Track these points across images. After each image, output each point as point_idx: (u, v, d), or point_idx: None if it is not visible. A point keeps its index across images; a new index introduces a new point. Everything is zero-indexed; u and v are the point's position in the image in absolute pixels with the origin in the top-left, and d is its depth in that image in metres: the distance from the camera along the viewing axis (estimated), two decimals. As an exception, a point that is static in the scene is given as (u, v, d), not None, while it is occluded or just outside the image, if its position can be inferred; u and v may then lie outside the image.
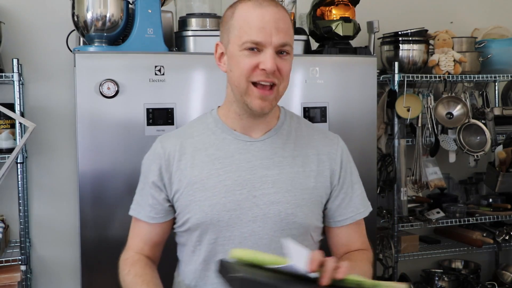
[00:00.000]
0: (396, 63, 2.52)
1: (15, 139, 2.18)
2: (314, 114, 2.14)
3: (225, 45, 1.18)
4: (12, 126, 2.19)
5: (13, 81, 2.11)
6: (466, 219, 2.72)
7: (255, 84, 1.14)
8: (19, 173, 2.16)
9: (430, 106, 2.63)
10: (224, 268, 0.98)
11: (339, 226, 1.27)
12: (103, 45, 2.04)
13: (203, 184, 1.18)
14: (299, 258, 0.97)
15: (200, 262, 1.23)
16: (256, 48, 1.11)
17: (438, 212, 2.73)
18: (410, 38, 2.57)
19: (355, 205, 1.27)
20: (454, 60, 2.57)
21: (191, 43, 2.09)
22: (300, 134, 1.26)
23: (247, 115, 1.20)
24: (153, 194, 1.23)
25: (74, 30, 2.13)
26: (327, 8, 2.36)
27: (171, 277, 1.39)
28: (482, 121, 2.71)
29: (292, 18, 2.29)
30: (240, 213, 1.16)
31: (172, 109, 1.98)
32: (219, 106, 1.29)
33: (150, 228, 1.26)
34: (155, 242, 1.27)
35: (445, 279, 2.75)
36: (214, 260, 1.18)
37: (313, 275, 0.96)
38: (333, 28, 2.24)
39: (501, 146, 2.70)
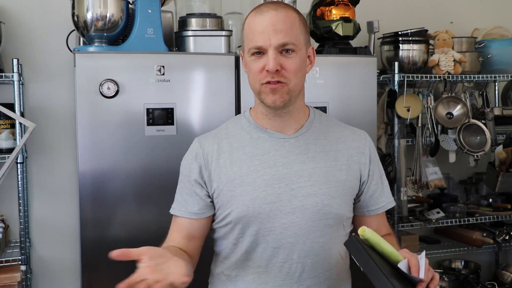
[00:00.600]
0: (396, 63, 2.52)
1: (15, 139, 2.18)
2: (314, 114, 2.14)
3: (243, 52, 1.28)
4: (12, 126, 2.19)
5: (13, 81, 2.12)
6: (466, 219, 2.72)
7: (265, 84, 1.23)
8: (19, 173, 2.17)
9: (430, 106, 2.63)
10: (354, 243, 1.09)
11: (372, 215, 1.37)
12: (103, 45, 2.04)
13: (243, 180, 1.25)
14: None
15: (242, 253, 1.29)
16: (260, 52, 1.20)
17: (438, 212, 2.73)
18: (410, 38, 2.57)
19: (386, 194, 1.37)
20: (454, 60, 2.57)
21: (191, 43, 2.09)
22: (330, 130, 1.34)
23: (273, 114, 1.28)
24: (195, 190, 1.29)
25: (74, 30, 2.13)
26: (327, 8, 2.36)
27: (206, 270, 1.40)
28: (482, 121, 2.71)
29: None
30: (280, 205, 1.24)
31: (172, 109, 1.98)
32: (251, 108, 1.37)
33: (191, 223, 1.30)
34: (195, 237, 1.31)
35: (445, 279, 2.75)
36: (256, 250, 1.27)
37: (416, 279, 1.07)
38: (333, 28, 2.24)
39: (501, 146, 2.70)
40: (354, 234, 1.13)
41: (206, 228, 1.33)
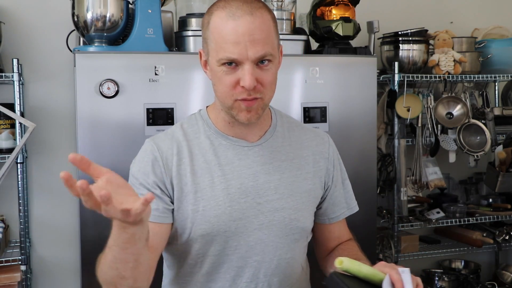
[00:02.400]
0: (396, 63, 2.52)
1: (15, 139, 2.18)
2: (314, 114, 2.14)
3: (206, 54, 1.12)
4: (12, 126, 2.19)
5: (13, 81, 2.11)
6: (466, 219, 2.72)
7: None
8: (19, 173, 2.16)
9: (430, 106, 2.63)
10: (334, 281, 1.00)
11: (333, 223, 1.29)
12: (103, 45, 2.04)
13: (205, 193, 1.13)
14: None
15: (202, 274, 1.17)
16: (233, 62, 1.05)
17: (438, 212, 2.73)
18: (410, 38, 2.57)
19: (346, 201, 1.30)
20: (454, 60, 2.57)
21: (191, 43, 2.09)
22: (293, 134, 1.24)
23: (237, 123, 1.15)
24: (155, 193, 1.12)
25: (74, 30, 2.13)
26: (327, 8, 2.36)
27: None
28: (482, 121, 2.71)
29: (292, 18, 2.29)
30: (246, 222, 1.14)
31: (172, 109, 1.98)
32: (207, 107, 1.23)
33: (151, 229, 1.06)
34: (152, 247, 1.09)
35: (445, 279, 2.75)
36: (219, 271, 1.16)
37: None
38: (333, 28, 2.24)
39: (501, 146, 2.70)
40: (332, 271, 1.04)
41: (164, 239, 1.14)
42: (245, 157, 1.16)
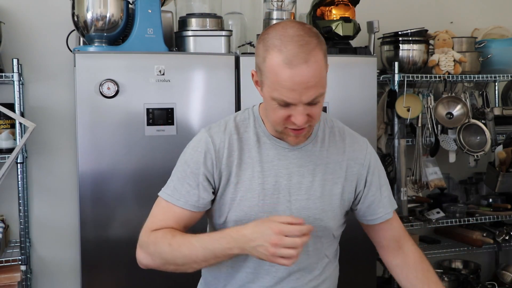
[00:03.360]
0: (396, 63, 2.52)
1: (15, 139, 2.18)
2: (314, 114, 2.14)
3: (260, 81, 1.20)
4: (12, 126, 2.19)
5: (13, 81, 2.12)
6: (466, 219, 2.72)
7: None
8: (19, 173, 2.16)
9: (430, 106, 2.63)
10: None
11: (374, 224, 1.38)
12: (103, 45, 2.04)
13: (244, 185, 1.25)
14: None
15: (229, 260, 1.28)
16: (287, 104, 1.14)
17: (438, 212, 2.73)
18: (410, 38, 2.57)
19: (384, 206, 1.36)
20: (454, 60, 2.57)
21: (191, 43, 2.09)
22: (333, 139, 1.32)
23: None
24: (203, 184, 1.24)
25: (74, 30, 2.13)
26: (327, 8, 2.36)
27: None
28: (482, 121, 2.71)
29: (292, 18, 2.29)
30: (275, 215, 1.21)
31: (172, 109, 1.98)
32: (260, 104, 1.32)
33: (191, 216, 1.26)
34: (187, 227, 1.28)
35: (445, 279, 2.75)
36: (245, 261, 1.28)
37: None
38: (333, 28, 2.24)
39: (501, 146, 2.70)
40: None
41: (200, 218, 1.30)
42: (284, 158, 1.27)
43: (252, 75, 1.24)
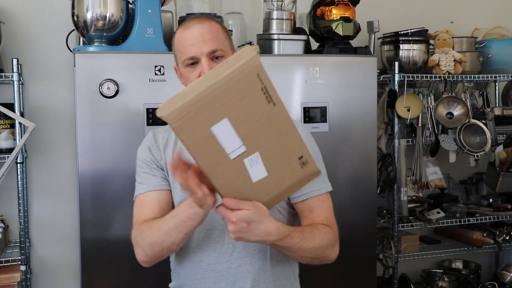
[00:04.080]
0: (396, 63, 2.52)
1: (15, 139, 2.18)
2: (314, 114, 2.14)
3: (177, 66, 1.38)
4: (12, 126, 2.19)
5: (13, 81, 2.11)
6: (466, 219, 2.72)
7: None
8: (18, 173, 2.16)
9: (430, 106, 2.63)
10: None
11: (303, 200, 1.37)
12: (103, 45, 2.03)
13: None
14: None
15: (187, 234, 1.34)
16: (194, 62, 1.31)
17: (438, 212, 2.73)
18: (410, 38, 2.57)
19: (314, 181, 1.33)
20: (455, 60, 2.57)
21: (191, 43, 2.09)
22: None
23: None
24: (152, 166, 1.40)
25: (74, 30, 2.13)
26: (327, 8, 2.36)
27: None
28: (483, 121, 2.71)
29: (292, 18, 2.29)
30: None
31: (172, 109, 1.97)
32: None
33: (159, 196, 1.37)
34: (165, 211, 1.35)
35: (446, 279, 2.75)
36: (193, 232, 1.31)
37: None
38: (333, 28, 2.24)
39: (501, 146, 2.70)
40: None
41: (170, 204, 1.38)
42: None
43: (176, 71, 1.41)
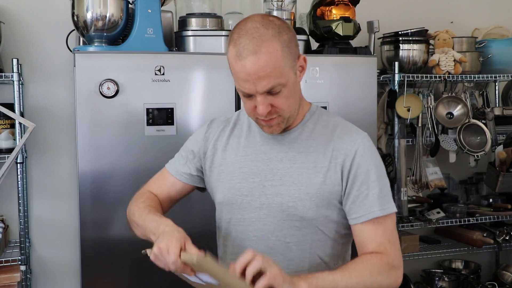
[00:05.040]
0: (396, 63, 2.52)
1: (14, 139, 2.18)
2: (314, 114, 2.14)
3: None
4: (12, 126, 2.19)
5: (13, 81, 2.12)
6: (466, 219, 2.72)
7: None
8: (18, 173, 2.17)
9: (430, 106, 2.63)
10: None
11: (354, 224, 1.27)
12: (103, 45, 2.04)
13: (227, 167, 1.33)
14: None
15: (221, 235, 1.38)
16: (250, 94, 1.20)
17: (438, 212, 2.73)
18: (410, 38, 2.57)
19: (369, 203, 1.24)
20: (455, 60, 2.57)
21: (191, 43, 2.09)
22: (324, 131, 1.30)
23: None
24: (188, 157, 1.40)
25: (74, 30, 2.13)
26: (327, 8, 2.36)
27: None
28: (483, 121, 2.71)
29: (292, 18, 2.29)
30: (250, 199, 1.29)
31: (172, 109, 1.98)
32: None
33: (173, 182, 1.41)
34: (171, 196, 1.41)
35: (446, 279, 2.75)
36: (229, 237, 1.34)
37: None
38: (333, 28, 2.24)
39: (501, 146, 2.70)
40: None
41: (183, 194, 1.43)
42: (266, 144, 1.31)
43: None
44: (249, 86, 1.17)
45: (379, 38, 2.66)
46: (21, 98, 2.17)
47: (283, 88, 1.19)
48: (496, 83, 2.97)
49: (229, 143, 1.35)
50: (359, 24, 2.30)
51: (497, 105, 2.95)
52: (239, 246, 1.31)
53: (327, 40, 2.29)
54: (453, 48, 2.63)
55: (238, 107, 2.06)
